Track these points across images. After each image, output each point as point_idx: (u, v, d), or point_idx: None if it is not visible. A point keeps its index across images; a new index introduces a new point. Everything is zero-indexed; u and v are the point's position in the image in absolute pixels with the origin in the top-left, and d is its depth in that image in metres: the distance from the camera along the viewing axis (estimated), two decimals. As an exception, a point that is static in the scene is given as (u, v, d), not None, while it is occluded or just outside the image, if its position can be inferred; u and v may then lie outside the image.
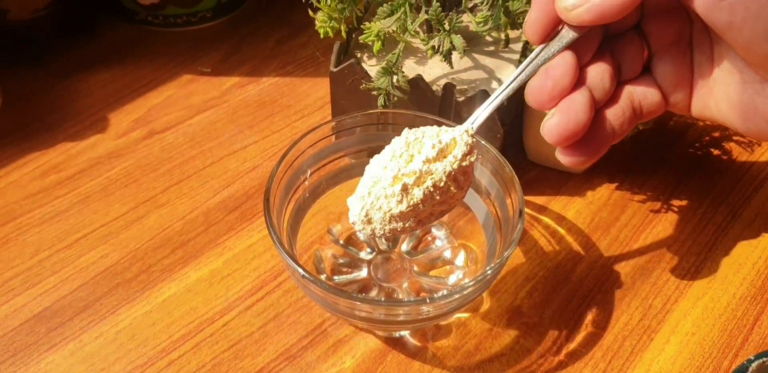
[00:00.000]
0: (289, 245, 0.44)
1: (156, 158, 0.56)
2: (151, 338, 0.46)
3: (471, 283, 0.39)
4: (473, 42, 0.52)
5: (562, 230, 0.53)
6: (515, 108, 0.53)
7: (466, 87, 0.50)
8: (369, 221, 0.37)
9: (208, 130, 0.59)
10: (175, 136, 0.58)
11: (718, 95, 0.35)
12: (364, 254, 0.49)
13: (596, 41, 0.35)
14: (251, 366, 0.45)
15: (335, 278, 0.48)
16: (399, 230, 0.37)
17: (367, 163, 0.39)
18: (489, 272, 0.40)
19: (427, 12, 0.46)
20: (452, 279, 0.48)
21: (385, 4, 0.46)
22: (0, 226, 0.51)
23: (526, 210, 0.54)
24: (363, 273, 0.48)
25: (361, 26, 0.48)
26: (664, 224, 0.54)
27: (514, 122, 0.54)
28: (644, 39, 0.36)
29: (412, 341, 0.46)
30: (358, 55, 0.52)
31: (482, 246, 0.48)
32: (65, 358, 0.45)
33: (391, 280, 0.48)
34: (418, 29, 0.48)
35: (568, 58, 0.34)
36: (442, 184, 0.36)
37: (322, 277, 0.48)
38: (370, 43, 0.48)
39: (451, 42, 0.46)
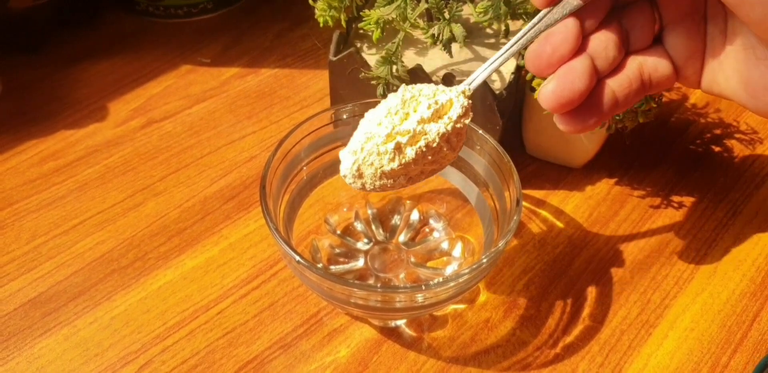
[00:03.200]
0: (285, 233, 0.44)
1: (154, 147, 0.56)
2: (145, 324, 0.46)
3: (467, 271, 0.39)
4: (473, 34, 0.52)
5: (560, 224, 0.53)
6: (514, 101, 0.52)
7: (465, 78, 0.49)
8: (360, 176, 0.37)
9: (206, 119, 0.59)
10: (174, 125, 0.58)
11: (729, 70, 0.34)
12: (361, 245, 0.49)
13: (604, 10, 0.34)
14: (245, 354, 0.45)
15: (332, 267, 0.48)
16: (389, 186, 0.37)
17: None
18: (485, 260, 0.39)
19: (427, 1, 0.46)
20: (449, 270, 0.48)
21: (385, -8, 0.46)
22: (-3, 211, 0.51)
23: (525, 204, 0.54)
24: (360, 263, 0.48)
25: (361, 13, 0.47)
26: (664, 220, 0.53)
27: (513, 116, 0.53)
28: (656, 9, 0.35)
29: (408, 331, 0.46)
30: (358, 45, 0.52)
31: (480, 238, 0.48)
32: (59, 343, 0.45)
33: (388, 270, 0.48)
34: (418, 19, 0.48)
35: (570, 25, 0.33)
36: (435, 144, 0.36)
37: (319, 266, 0.48)
38: (369, 31, 0.48)
39: (450, 31, 0.46)
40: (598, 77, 0.34)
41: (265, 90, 0.62)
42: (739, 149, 0.59)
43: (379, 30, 0.47)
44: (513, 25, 0.51)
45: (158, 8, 0.66)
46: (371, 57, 0.50)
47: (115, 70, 0.62)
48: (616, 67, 0.35)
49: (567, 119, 0.34)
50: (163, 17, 0.67)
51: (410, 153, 0.36)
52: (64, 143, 0.56)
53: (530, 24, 0.34)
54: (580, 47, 0.34)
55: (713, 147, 0.59)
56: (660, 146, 0.59)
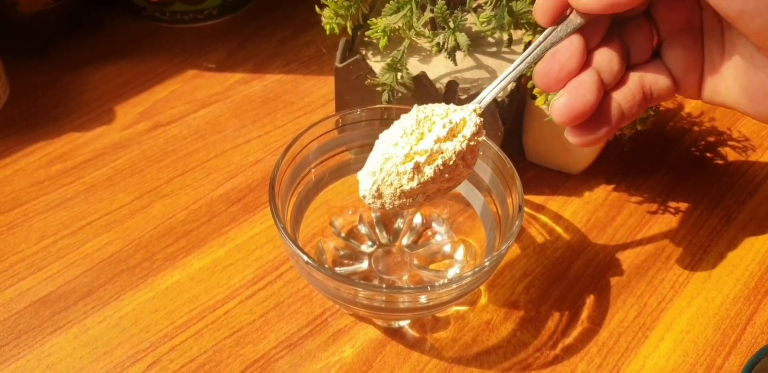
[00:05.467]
0: (292, 234, 0.45)
1: (160, 150, 0.57)
2: (153, 323, 0.46)
3: (469, 273, 0.40)
4: (476, 42, 0.53)
5: (559, 229, 0.54)
6: (516, 108, 0.54)
7: (468, 85, 0.50)
8: (379, 196, 0.38)
9: (212, 124, 0.60)
10: (180, 129, 0.59)
11: (729, 80, 0.35)
12: (365, 247, 0.50)
13: (604, 26, 0.36)
14: (252, 353, 0.45)
15: (336, 269, 0.49)
16: (408, 205, 0.38)
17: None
18: (487, 263, 0.40)
19: (432, 10, 0.47)
20: (451, 273, 0.49)
21: (392, 1, 0.47)
22: (6, 212, 0.52)
23: (525, 209, 0.55)
24: (364, 265, 0.49)
25: (368, 22, 0.48)
26: (660, 226, 0.55)
27: (514, 123, 0.54)
28: (654, 25, 0.36)
29: (411, 331, 0.47)
30: (363, 52, 0.53)
31: (481, 242, 0.49)
32: (69, 341, 0.45)
33: (392, 272, 0.49)
34: (422, 28, 0.49)
35: (575, 42, 0.34)
36: (451, 162, 0.37)
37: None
38: (375, 39, 0.49)
39: (455, 40, 0.47)
40: (605, 90, 0.35)
41: (269, 95, 0.63)
42: (733, 157, 0.60)
43: (385, 38, 0.48)
44: (516, 34, 0.53)
45: (164, 14, 0.67)
46: (376, 64, 0.51)
47: (122, 74, 0.63)
48: (620, 81, 0.36)
49: (578, 132, 0.35)
50: (169, 22, 0.68)
51: (429, 172, 0.37)
52: (72, 145, 0.57)
53: (536, 43, 0.36)
54: (585, 62, 0.35)
55: (708, 154, 0.60)
56: (656, 153, 0.60)
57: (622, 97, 0.35)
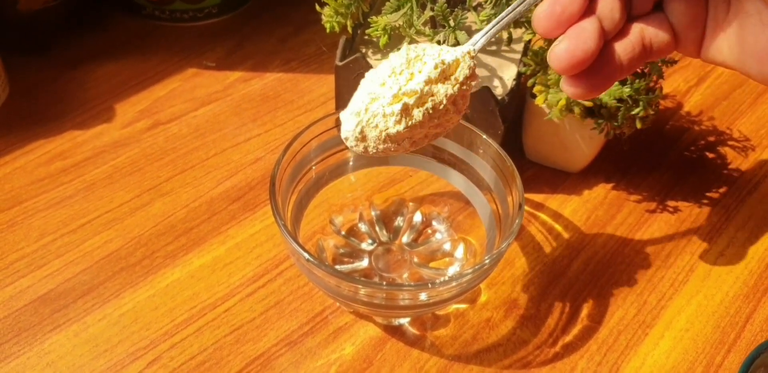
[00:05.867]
0: (293, 231, 0.45)
1: (160, 148, 0.57)
2: (153, 321, 0.46)
3: (469, 271, 0.40)
4: (476, 40, 0.53)
5: (558, 227, 0.54)
6: (516, 107, 0.54)
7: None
8: (363, 139, 0.35)
9: (211, 122, 0.60)
10: (180, 127, 0.59)
11: (733, 38, 0.34)
12: (366, 245, 0.50)
13: None
14: (252, 351, 0.45)
15: (337, 267, 0.49)
16: (392, 150, 0.35)
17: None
18: (487, 261, 0.40)
19: (432, 9, 0.48)
20: (451, 271, 0.49)
21: (392, -1, 0.48)
22: (6, 209, 0.52)
23: (524, 207, 0.55)
24: (364, 263, 0.49)
25: (368, 20, 0.49)
26: (660, 224, 0.55)
27: (513, 121, 0.55)
28: None
29: (411, 329, 0.47)
30: (363, 50, 0.53)
31: (481, 240, 0.49)
32: (69, 339, 0.45)
33: (392, 270, 0.49)
34: (422, 26, 0.49)
35: None
36: (442, 107, 0.35)
37: (324, 266, 0.49)
38: (375, 38, 0.49)
39: (455, 38, 0.47)
40: (605, 40, 0.34)
41: (269, 94, 0.63)
42: (732, 156, 0.60)
43: (386, 36, 0.48)
44: (516, 33, 0.53)
45: (164, 12, 0.67)
46: (376, 62, 0.51)
47: (122, 73, 0.63)
48: (620, 33, 0.35)
49: (575, 82, 0.34)
50: (169, 21, 0.68)
51: (417, 115, 0.34)
52: (72, 144, 0.57)
53: None
54: (587, 10, 0.33)
55: (707, 154, 0.60)
56: (656, 152, 0.60)
57: (622, 49, 0.34)
